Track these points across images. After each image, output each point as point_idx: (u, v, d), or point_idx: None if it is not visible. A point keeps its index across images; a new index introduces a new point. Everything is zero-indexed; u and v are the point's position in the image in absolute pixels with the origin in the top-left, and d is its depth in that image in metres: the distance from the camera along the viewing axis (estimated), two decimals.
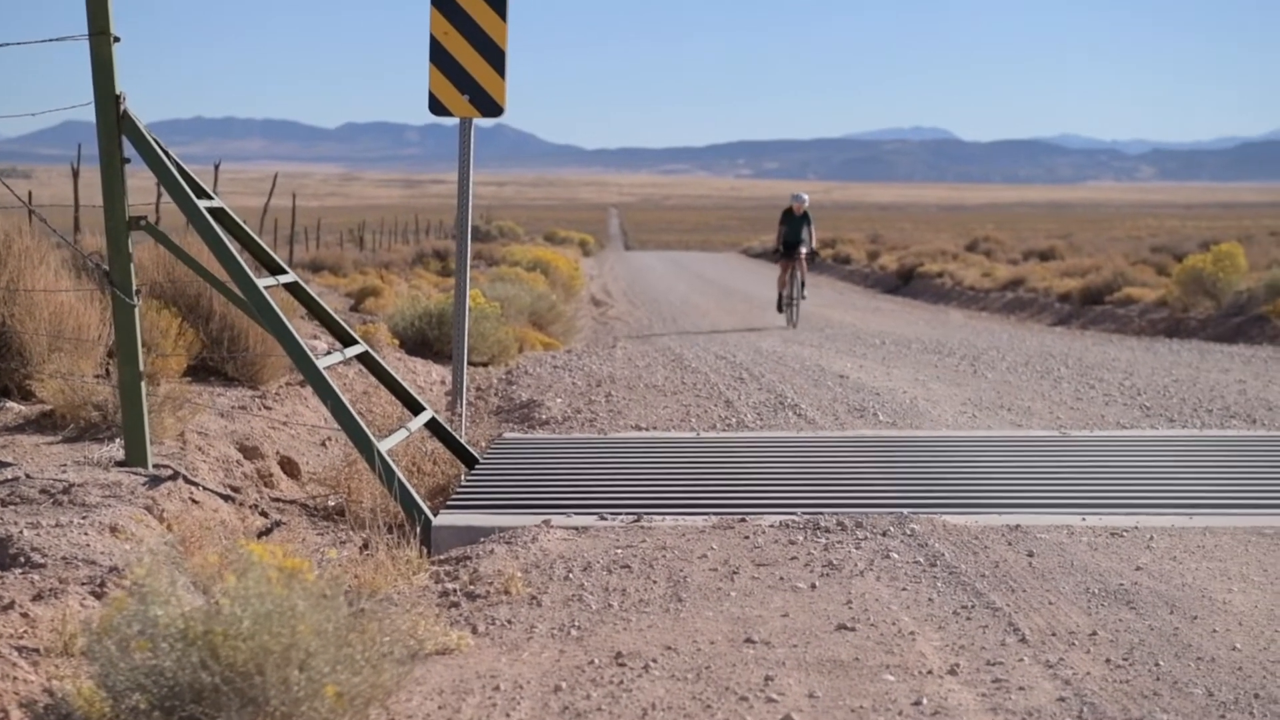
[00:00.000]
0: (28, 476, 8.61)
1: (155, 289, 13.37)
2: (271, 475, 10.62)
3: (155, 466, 9.28)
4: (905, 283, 49.69)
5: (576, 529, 8.56)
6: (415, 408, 10.94)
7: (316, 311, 10.77)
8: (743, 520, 8.71)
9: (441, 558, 8.20)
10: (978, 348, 22.08)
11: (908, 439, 12.11)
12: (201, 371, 13.44)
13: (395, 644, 5.05)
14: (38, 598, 6.51)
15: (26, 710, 5.24)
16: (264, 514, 9.51)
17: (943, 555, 7.83)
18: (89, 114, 9.31)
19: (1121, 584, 7.29)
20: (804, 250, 28.83)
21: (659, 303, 38.77)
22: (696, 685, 5.72)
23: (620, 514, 8.93)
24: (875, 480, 10.14)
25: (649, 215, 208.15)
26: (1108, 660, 6.03)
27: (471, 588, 7.29)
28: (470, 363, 16.68)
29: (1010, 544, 8.15)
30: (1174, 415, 14.09)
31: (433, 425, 10.88)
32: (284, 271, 10.53)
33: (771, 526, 8.54)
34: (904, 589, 7.20)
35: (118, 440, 9.81)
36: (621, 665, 5.98)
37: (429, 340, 19.10)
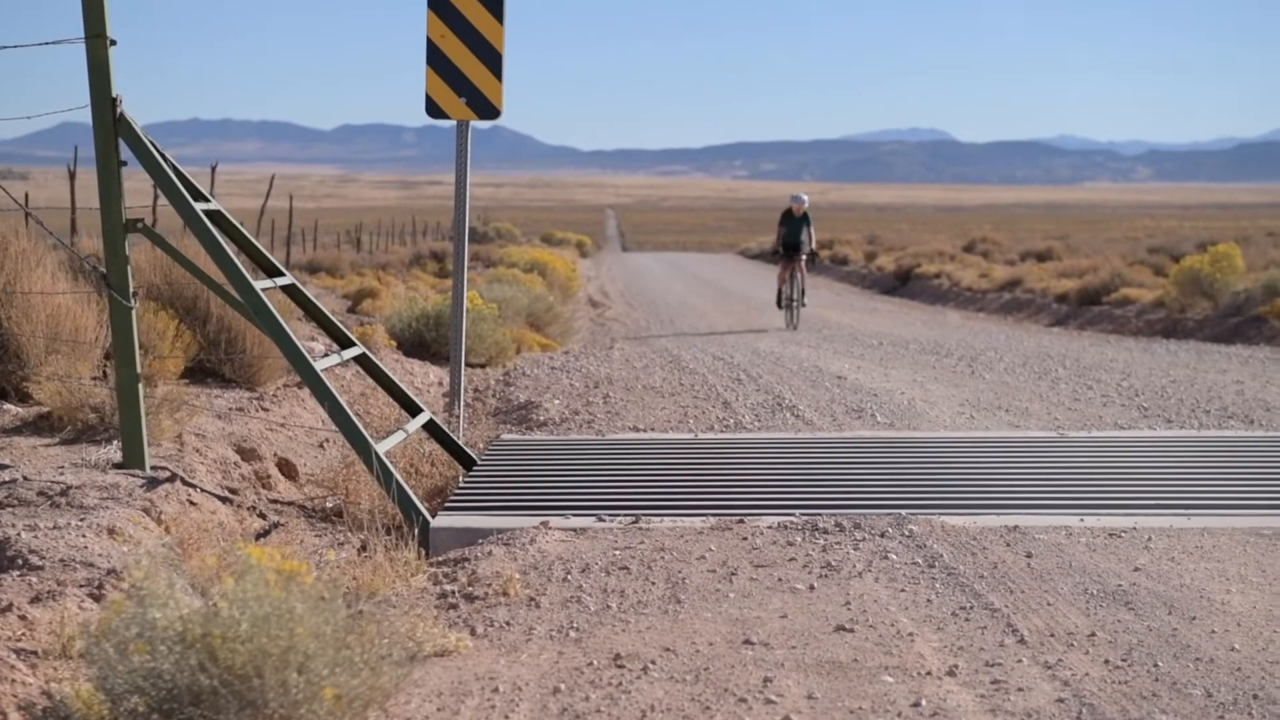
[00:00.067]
0: (25, 479, 8.61)
1: (152, 291, 13.37)
2: (269, 477, 10.62)
3: (153, 468, 9.28)
4: (903, 283, 49.70)
5: (575, 530, 8.56)
6: (413, 409, 10.94)
7: (314, 314, 10.77)
8: (741, 521, 8.71)
9: (440, 559, 8.19)
10: (975, 349, 22.08)
11: (906, 440, 12.11)
12: (199, 373, 13.44)
13: (394, 646, 5.05)
14: (36, 600, 6.51)
15: (25, 713, 5.23)
16: (262, 516, 9.51)
17: (941, 556, 7.83)
18: (86, 115, 9.32)
19: (1120, 585, 7.29)
20: (804, 255, 28.69)
21: (656, 304, 38.77)
22: (695, 687, 5.71)
23: (618, 515, 8.93)
24: (873, 481, 10.13)
25: (646, 216, 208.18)
26: (1106, 661, 6.03)
27: (470, 589, 7.29)
28: (468, 364, 16.67)
29: (1008, 545, 8.15)
30: (1171, 416, 14.09)
31: (430, 427, 10.88)
32: (281, 274, 10.53)
33: (770, 528, 8.54)
34: (902, 590, 7.19)
35: (115, 442, 9.81)
36: (620, 667, 5.97)
37: (426, 342, 19.10)
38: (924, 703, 5.53)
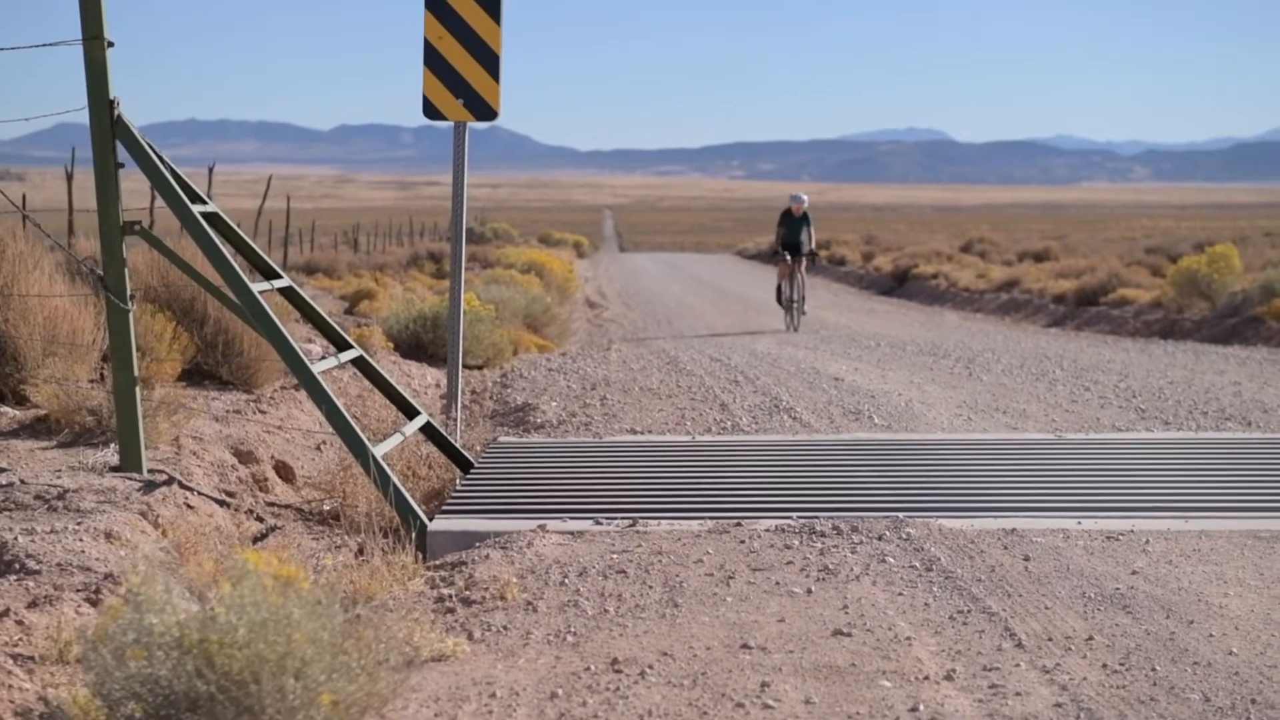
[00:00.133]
0: (22, 482, 8.60)
1: (150, 293, 13.37)
2: (266, 480, 10.62)
3: (150, 472, 9.27)
4: (900, 284, 49.72)
5: (572, 533, 8.55)
6: (410, 412, 10.94)
7: (311, 316, 10.77)
8: (738, 524, 8.70)
9: (437, 563, 8.19)
10: (973, 350, 22.07)
11: (903, 442, 12.10)
12: (196, 375, 13.44)
13: (391, 651, 5.04)
14: (33, 605, 6.50)
15: (22, 719, 5.23)
16: (259, 519, 9.51)
17: (939, 559, 7.82)
18: (83, 116, 9.32)
19: (1118, 588, 7.28)
20: (804, 258, 28.60)
21: (653, 305, 38.78)
22: (693, 692, 5.71)
23: (616, 518, 8.92)
24: (871, 484, 10.13)
25: (643, 217, 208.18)
26: (1104, 665, 6.02)
27: (467, 593, 7.29)
28: (465, 365, 16.66)
29: (1006, 548, 8.14)
30: (1169, 418, 14.09)
31: (428, 429, 10.87)
32: (278, 276, 10.53)
33: (767, 531, 8.53)
34: (900, 594, 7.19)
35: (112, 445, 9.80)
36: (618, 671, 5.97)
37: (424, 343, 19.10)
38: (922, 707, 5.52)
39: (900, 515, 8.88)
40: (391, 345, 18.63)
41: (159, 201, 18.16)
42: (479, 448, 11.96)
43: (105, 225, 9.30)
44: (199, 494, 9.20)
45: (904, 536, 8.33)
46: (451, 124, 12.44)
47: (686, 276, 57.65)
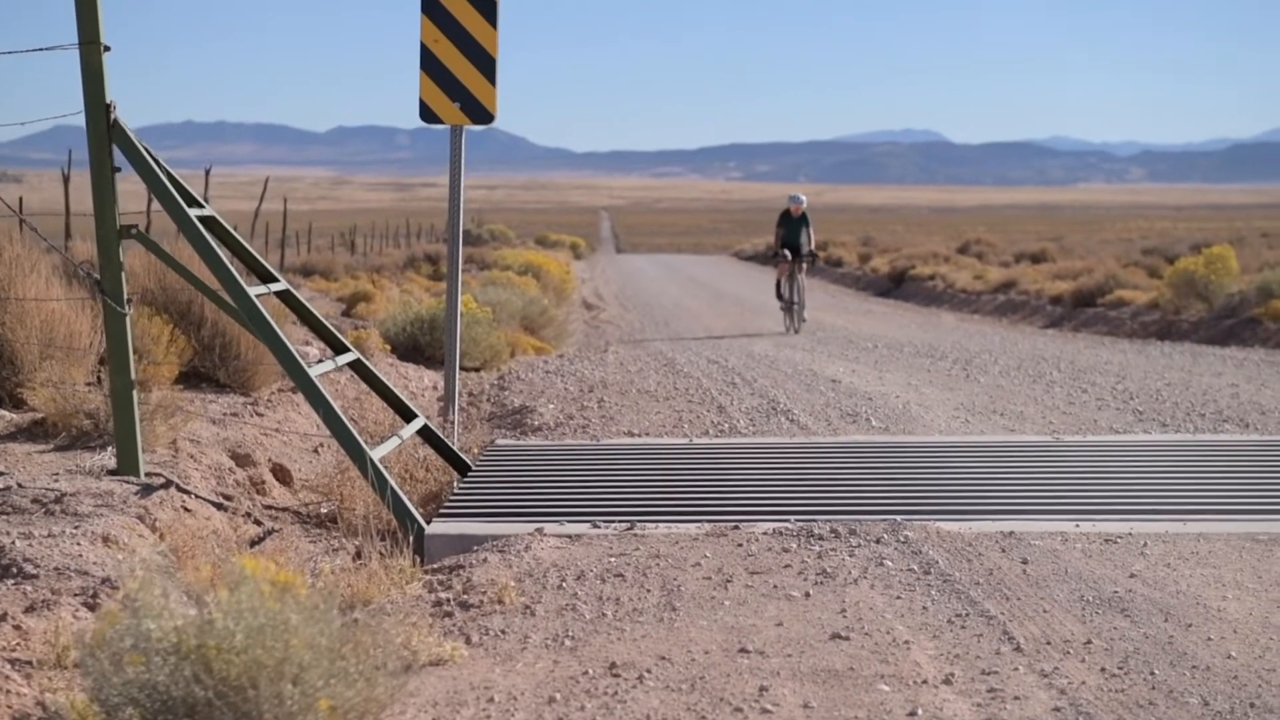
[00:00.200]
0: (20, 486, 8.59)
1: (147, 296, 13.36)
2: (264, 483, 10.61)
3: (147, 475, 9.27)
4: (897, 285, 49.73)
5: (570, 537, 8.55)
6: (407, 415, 10.93)
7: (308, 319, 10.76)
8: (736, 527, 8.69)
9: (435, 566, 8.18)
10: (970, 351, 22.08)
11: (901, 445, 12.10)
12: (193, 378, 13.43)
13: (389, 656, 5.03)
14: (30, 609, 6.50)
15: None
16: (257, 522, 9.50)
17: (937, 563, 7.82)
18: (80, 118, 9.31)
19: (1116, 591, 7.28)
20: (804, 262, 28.54)
21: (651, 306, 38.78)
22: (691, 696, 5.70)
23: (613, 521, 8.91)
24: (868, 486, 10.13)
25: (640, 218, 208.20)
26: (1103, 669, 6.02)
27: (465, 597, 7.28)
28: (462, 368, 16.66)
29: (1004, 551, 8.14)
30: (1167, 420, 14.09)
31: (425, 432, 10.87)
32: (275, 279, 10.52)
33: (765, 534, 8.53)
34: (898, 597, 7.19)
35: (110, 448, 9.80)
36: (616, 676, 5.96)
37: (421, 346, 19.10)
38: (920, 712, 5.52)
39: (898, 518, 8.88)
40: (389, 348, 18.63)
41: (156, 204, 18.19)
42: (476, 450, 11.95)
43: (102, 229, 9.29)
44: (196, 497, 9.19)
45: (902, 539, 8.32)
46: (448, 127, 12.43)
47: (683, 278, 57.67)
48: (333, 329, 10.91)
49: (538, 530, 8.64)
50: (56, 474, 9.16)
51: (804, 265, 28.50)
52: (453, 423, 12.26)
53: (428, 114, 12.30)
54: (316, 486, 10.74)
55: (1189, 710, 5.56)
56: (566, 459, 11.45)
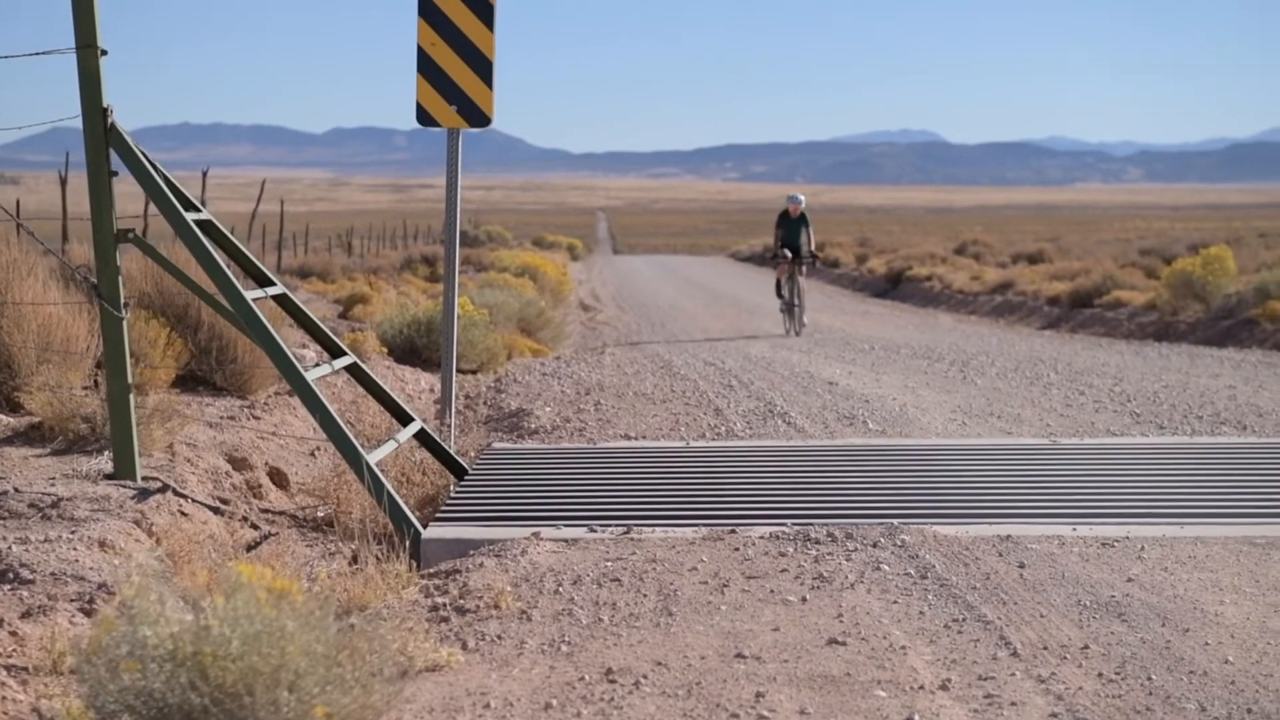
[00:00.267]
0: (16, 490, 8.59)
1: (144, 299, 13.35)
2: (260, 486, 10.61)
3: (144, 479, 9.27)
4: (894, 286, 49.74)
5: (566, 541, 8.54)
6: (404, 418, 10.93)
7: (305, 323, 10.76)
8: (733, 531, 8.69)
9: (431, 571, 8.17)
10: (967, 353, 22.08)
11: (898, 448, 12.10)
12: (190, 381, 13.42)
13: (385, 662, 5.03)
14: (26, 615, 6.50)
15: None
16: (253, 526, 9.50)
17: (934, 567, 7.81)
18: (78, 120, 9.30)
19: (1113, 596, 7.28)
20: (804, 263, 28.45)
21: (647, 308, 38.78)
22: (687, 702, 5.70)
23: (610, 525, 8.91)
24: (865, 490, 10.12)
25: (637, 219, 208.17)
26: (1100, 674, 6.02)
27: (461, 602, 7.27)
28: (459, 370, 16.66)
29: (1001, 555, 8.14)
30: (1164, 422, 14.09)
31: (421, 436, 10.87)
32: (271, 283, 10.52)
33: (762, 538, 8.52)
34: (895, 602, 7.18)
35: (106, 453, 9.80)
36: (612, 682, 5.96)
37: (418, 348, 19.10)
38: (917, 718, 5.51)
39: (895, 522, 8.87)
40: (385, 350, 18.62)
41: (154, 207, 18.22)
42: (473, 454, 11.95)
43: (99, 233, 9.30)
44: (193, 501, 9.19)
45: (899, 543, 8.32)
46: (445, 130, 12.43)
47: (680, 279, 57.67)
48: (329, 332, 10.91)
49: (534, 534, 8.64)
50: (53, 478, 9.15)
51: (804, 267, 28.41)
52: (449, 426, 12.26)
53: (424, 117, 12.30)
54: (313, 490, 10.74)
55: (1186, 716, 5.55)
56: (563, 462, 11.45)
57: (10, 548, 7.37)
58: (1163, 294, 29.91)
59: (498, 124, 12.59)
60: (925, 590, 7.38)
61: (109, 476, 9.26)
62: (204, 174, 29.02)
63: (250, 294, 9.60)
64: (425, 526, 8.90)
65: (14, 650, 6.09)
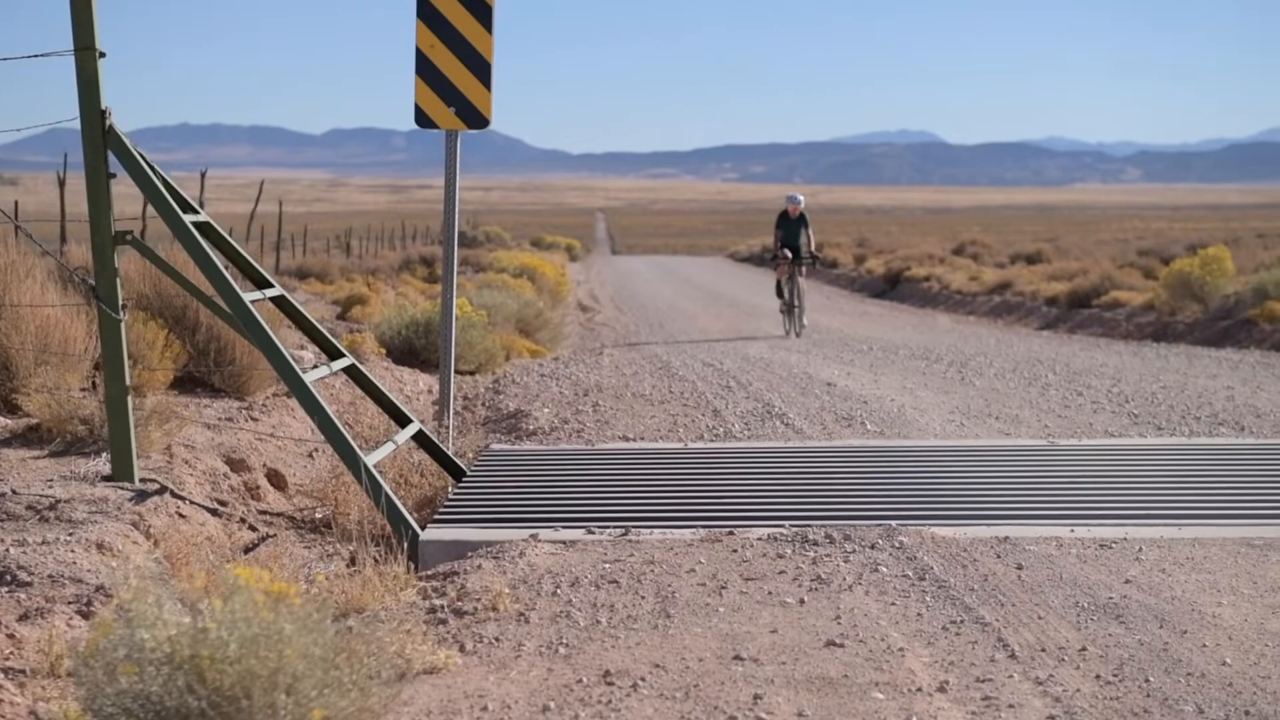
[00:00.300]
0: (14, 492, 8.59)
1: (142, 300, 13.35)
2: (258, 488, 10.61)
3: (142, 481, 9.26)
4: (892, 287, 49.73)
5: (564, 543, 8.54)
6: (402, 420, 10.93)
7: (303, 325, 10.76)
8: (731, 533, 8.69)
9: (429, 573, 8.17)
10: (965, 353, 22.09)
11: (896, 449, 12.11)
12: (188, 383, 13.41)
13: (383, 665, 5.03)
14: (24, 617, 6.50)
15: None
16: (251, 528, 9.50)
17: (931, 569, 7.81)
18: (76, 121, 9.30)
19: (1111, 597, 7.28)
20: (804, 264, 28.37)
21: (646, 308, 38.75)
22: (685, 704, 5.70)
23: (608, 527, 8.91)
24: (863, 491, 10.12)
25: (636, 220, 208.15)
26: (1098, 676, 6.02)
27: (459, 604, 7.27)
28: (457, 371, 16.65)
29: (999, 556, 8.14)
30: (1162, 423, 14.10)
31: (420, 437, 10.87)
32: (269, 285, 10.52)
33: (760, 539, 8.52)
34: (893, 603, 7.18)
35: (104, 454, 9.79)
36: (610, 684, 5.96)
37: (416, 349, 19.09)
38: None
39: (893, 523, 8.87)
40: (384, 351, 18.62)
41: (152, 209, 18.21)
42: (471, 455, 11.95)
43: (97, 235, 9.30)
44: (191, 503, 9.20)
45: (897, 545, 8.32)
46: (443, 131, 12.43)
47: (679, 280, 57.66)
48: (327, 334, 10.91)
49: (532, 536, 8.64)
50: (51, 480, 9.15)
51: (803, 268, 28.34)
52: (447, 427, 12.26)
53: (423, 119, 12.30)
54: (311, 491, 10.75)
55: (1184, 718, 5.55)
56: (561, 464, 11.45)
57: (8, 550, 7.37)
58: (1161, 294, 29.90)
59: (497, 125, 12.59)
60: (923, 592, 7.38)
61: (107, 478, 9.26)
62: (202, 175, 29.04)
63: (248, 296, 9.60)
64: (423, 528, 8.91)
65: (11, 653, 6.09)
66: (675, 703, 5.72)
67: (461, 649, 6.52)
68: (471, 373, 18.65)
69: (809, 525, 8.81)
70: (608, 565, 7.96)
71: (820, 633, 6.68)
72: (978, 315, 37.89)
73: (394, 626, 6.48)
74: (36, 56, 9.42)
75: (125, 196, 9.76)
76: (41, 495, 8.54)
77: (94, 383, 11.62)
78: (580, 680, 6.02)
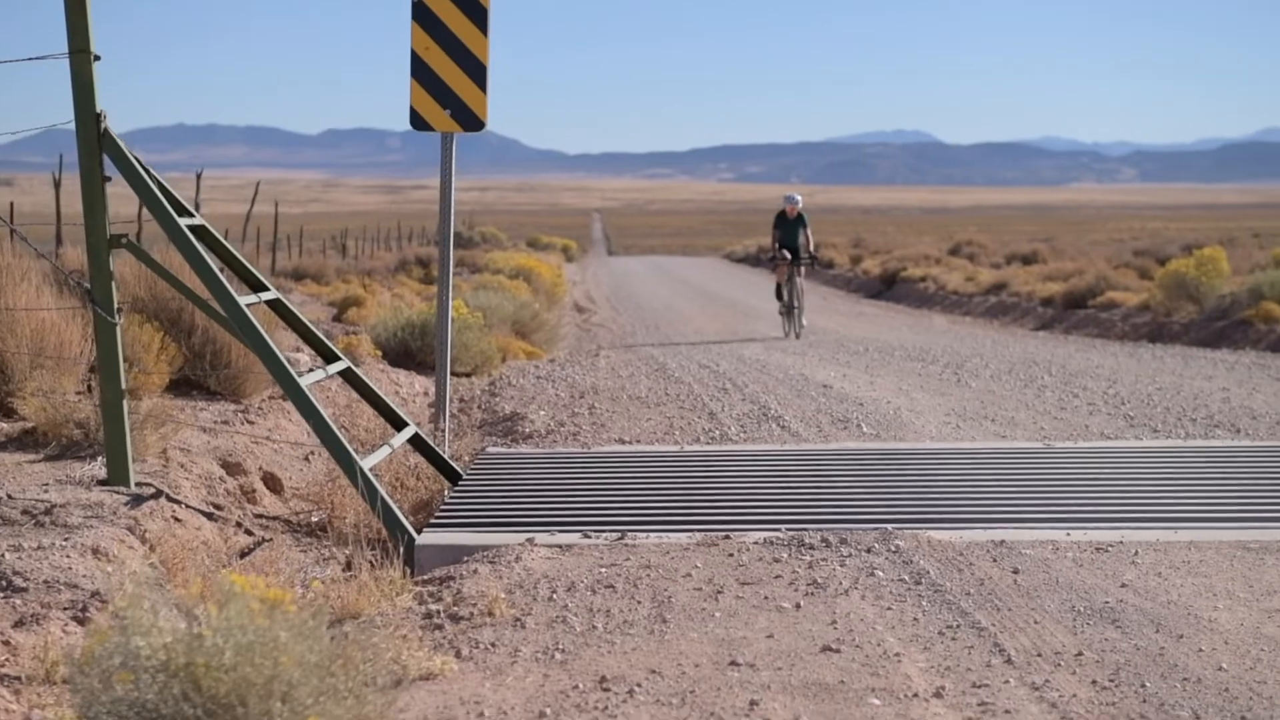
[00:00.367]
0: (10, 497, 8.59)
1: (137, 303, 13.35)
2: (254, 491, 10.60)
3: (137, 485, 9.26)
4: (888, 287, 49.70)
5: (560, 547, 8.53)
6: (398, 423, 10.92)
7: (299, 329, 10.76)
8: (727, 537, 8.69)
9: (425, 578, 8.16)
10: (961, 354, 22.09)
11: (892, 451, 12.10)
12: (184, 386, 13.41)
13: (379, 672, 5.02)
14: (19, 624, 6.49)
15: None
16: (248, 532, 9.49)
17: (928, 573, 7.81)
18: (71, 123, 9.29)
19: (1107, 601, 7.27)
20: (803, 264, 28.33)
21: (642, 309, 38.73)
22: (681, 710, 5.69)
23: (604, 531, 8.90)
24: (859, 494, 10.12)
25: (632, 220, 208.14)
26: (1094, 682, 6.01)
27: (455, 609, 7.26)
28: (453, 373, 16.65)
29: (995, 560, 8.13)
30: (1158, 425, 14.10)
31: (416, 441, 10.86)
32: (265, 288, 10.51)
33: (755, 543, 8.52)
34: (889, 608, 7.18)
35: (100, 458, 9.79)
36: (606, 690, 5.95)
37: (412, 351, 19.07)
38: None
39: (889, 527, 8.87)
40: (380, 353, 18.60)
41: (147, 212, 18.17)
42: (467, 458, 11.95)
43: (92, 239, 9.29)
44: (187, 507, 9.19)
45: (893, 549, 8.32)
46: (439, 134, 12.42)
47: (675, 280, 57.63)
48: (323, 337, 10.90)
49: (528, 540, 8.63)
50: (46, 484, 9.14)
51: (802, 269, 28.30)
52: (443, 431, 12.25)
53: (419, 121, 12.29)
54: (307, 495, 10.74)
55: None
56: (557, 467, 11.45)
57: (3, 555, 7.37)
58: (1156, 295, 29.89)
59: (493, 125, 12.57)
60: (919, 596, 7.38)
61: (102, 482, 9.25)
62: (198, 176, 28.99)
63: (244, 300, 9.59)
64: (419, 532, 8.90)
65: (7, 659, 6.08)
66: (671, 709, 5.71)
67: (458, 655, 6.51)
68: (467, 375, 18.64)
69: (805, 529, 8.81)
70: (604, 570, 7.95)
71: (816, 638, 6.67)
72: (973, 316, 37.87)
73: (390, 632, 6.48)
74: (31, 60, 9.42)
75: (120, 197, 9.75)
76: (37, 500, 8.54)
77: (89, 386, 11.61)
78: (576, 686, 6.01)
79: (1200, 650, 6.48)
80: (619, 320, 34.53)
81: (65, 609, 6.74)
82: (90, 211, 9.25)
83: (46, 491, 8.86)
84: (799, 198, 29.11)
